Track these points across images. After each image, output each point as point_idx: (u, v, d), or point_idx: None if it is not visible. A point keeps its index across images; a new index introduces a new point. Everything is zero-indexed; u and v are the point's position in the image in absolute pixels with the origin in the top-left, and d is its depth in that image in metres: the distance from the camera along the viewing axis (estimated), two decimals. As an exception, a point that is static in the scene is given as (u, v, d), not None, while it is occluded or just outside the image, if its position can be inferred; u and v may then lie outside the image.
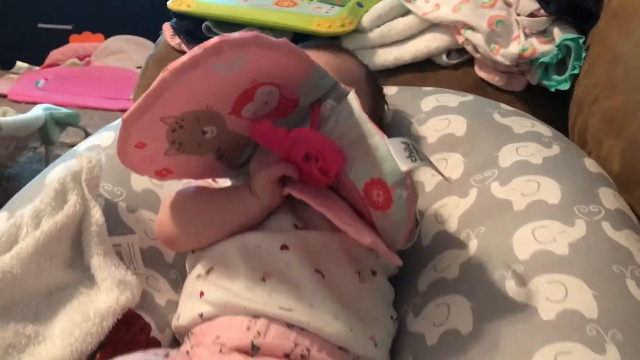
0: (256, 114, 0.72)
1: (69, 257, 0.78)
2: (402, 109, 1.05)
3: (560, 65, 1.14)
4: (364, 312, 0.73)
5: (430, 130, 0.99)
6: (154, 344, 0.76)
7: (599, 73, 1.04)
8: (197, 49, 0.63)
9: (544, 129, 0.94)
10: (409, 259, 0.82)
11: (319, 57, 0.90)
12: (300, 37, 1.27)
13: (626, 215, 0.80)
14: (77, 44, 3.27)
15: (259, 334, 0.68)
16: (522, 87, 1.19)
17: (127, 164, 0.74)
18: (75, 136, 2.40)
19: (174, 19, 1.39)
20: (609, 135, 0.96)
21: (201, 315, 0.73)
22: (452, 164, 0.93)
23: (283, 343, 0.68)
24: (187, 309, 0.76)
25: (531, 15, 1.16)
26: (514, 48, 1.14)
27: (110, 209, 0.87)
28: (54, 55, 3.22)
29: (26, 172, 2.21)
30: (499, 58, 1.15)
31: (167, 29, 1.39)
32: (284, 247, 0.73)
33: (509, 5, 1.20)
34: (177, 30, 1.36)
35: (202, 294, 0.74)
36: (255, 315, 0.70)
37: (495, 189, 0.84)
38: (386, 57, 1.25)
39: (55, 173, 0.91)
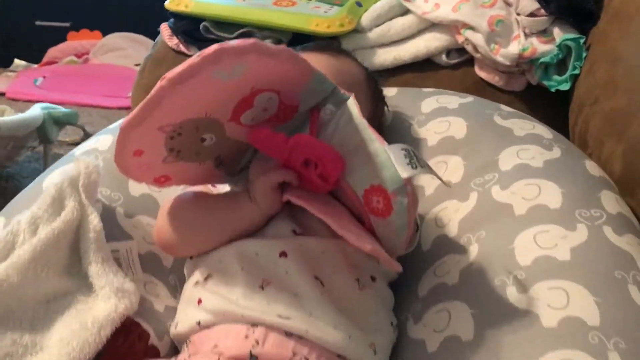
0: (255, 120, 0.72)
1: (67, 265, 0.78)
2: (402, 110, 1.05)
3: (560, 65, 1.14)
4: (363, 320, 0.73)
5: (430, 133, 0.98)
6: (152, 352, 0.76)
7: (600, 73, 1.03)
8: (195, 58, 0.62)
9: (545, 131, 0.94)
10: (409, 264, 0.81)
11: (318, 60, 0.89)
12: (299, 37, 1.26)
13: (628, 219, 0.80)
14: (75, 42, 3.26)
15: (257, 342, 0.68)
16: (522, 87, 1.19)
17: (125, 171, 0.73)
18: (74, 134, 2.40)
19: (172, 19, 1.38)
20: (610, 136, 0.96)
21: (199, 323, 0.72)
22: (452, 167, 0.92)
23: (281, 352, 0.68)
24: (185, 316, 0.75)
25: (531, 15, 1.16)
26: (514, 48, 1.14)
27: (108, 214, 0.87)
28: (52, 52, 3.20)
29: (25, 171, 2.21)
30: (499, 58, 1.15)
31: (165, 29, 1.39)
32: (283, 254, 0.73)
33: (508, 4, 1.19)
34: (175, 31, 1.35)
35: (200, 301, 0.73)
36: (254, 324, 0.69)
37: (496, 193, 0.84)
38: (385, 57, 1.25)
39: (53, 178, 0.90)
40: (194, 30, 1.32)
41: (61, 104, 2.47)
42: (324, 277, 0.73)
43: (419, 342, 0.74)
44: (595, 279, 0.70)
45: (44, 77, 2.99)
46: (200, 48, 1.32)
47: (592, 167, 0.87)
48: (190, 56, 1.30)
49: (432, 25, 1.24)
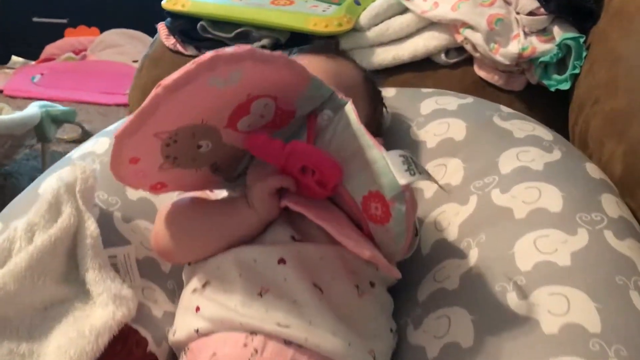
0: (252, 126, 0.71)
1: (64, 272, 0.77)
2: (401, 112, 1.04)
3: (560, 64, 1.13)
4: (362, 326, 0.73)
5: (430, 135, 0.98)
6: (151, 358, 0.75)
7: (601, 73, 1.02)
8: (191, 64, 0.61)
9: (545, 133, 0.93)
10: (408, 269, 0.81)
11: (315, 62, 0.89)
12: (297, 37, 1.26)
13: (629, 223, 0.79)
14: (73, 38, 3.24)
15: (255, 351, 0.67)
16: (522, 87, 1.18)
17: (121, 179, 0.73)
18: (72, 132, 2.39)
19: (169, 19, 1.37)
20: (610, 137, 0.95)
21: (197, 331, 0.72)
22: (452, 170, 0.91)
23: (280, 360, 0.67)
24: (183, 323, 0.75)
25: (531, 13, 1.15)
26: (514, 47, 1.13)
27: (105, 219, 0.86)
28: (50, 49, 3.19)
29: (23, 169, 2.21)
30: (498, 57, 1.14)
31: (162, 28, 1.38)
32: (281, 261, 0.72)
33: (508, 3, 1.18)
34: (172, 30, 1.35)
35: (198, 309, 0.73)
36: (252, 332, 0.69)
37: (496, 197, 0.83)
38: (384, 56, 1.24)
39: (49, 183, 0.90)
40: (191, 29, 1.31)
41: (59, 101, 2.47)
42: (323, 283, 0.72)
43: (419, 349, 0.74)
44: (596, 284, 0.69)
45: (42, 74, 2.98)
46: (197, 48, 1.32)
47: (592, 169, 0.87)
48: (187, 56, 1.31)
49: (431, 24, 1.23)
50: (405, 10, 1.26)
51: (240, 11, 1.29)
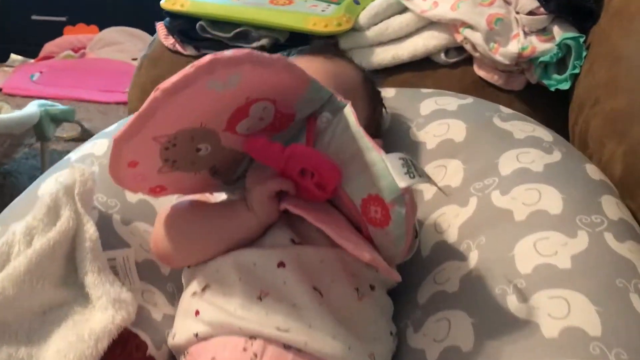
0: (251, 129, 0.71)
1: (63, 275, 0.77)
2: (400, 112, 1.04)
3: (560, 64, 1.13)
4: (362, 330, 0.72)
5: (429, 136, 0.97)
6: (150, 362, 0.75)
7: (601, 73, 1.02)
8: (189, 68, 0.61)
9: (545, 134, 0.93)
10: (408, 271, 0.81)
11: (314, 64, 0.89)
12: (296, 36, 1.25)
13: (629, 225, 0.79)
14: (72, 36, 3.24)
15: (255, 355, 0.67)
16: (522, 86, 1.18)
17: (120, 182, 0.72)
18: (72, 130, 2.39)
19: (168, 19, 1.37)
20: (611, 138, 0.95)
21: (197, 335, 0.72)
22: (452, 171, 0.91)
23: (280, 365, 0.67)
24: (183, 327, 0.74)
25: (531, 13, 1.14)
26: (514, 47, 1.12)
27: (104, 222, 0.86)
28: (49, 47, 3.19)
29: (22, 168, 2.21)
30: (498, 57, 1.14)
31: (160, 28, 1.37)
32: (281, 265, 0.72)
33: (508, 3, 1.18)
34: (171, 30, 1.34)
35: (197, 312, 0.73)
36: (252, 336, 0.69)
37: (496, 198, 0.83)
38: (384, 55, 1.23)
39: (48, 186, 0.89)
40: (190, 29, 1.31)
41: (58, 99, 2.47)
42: (323, 287, 0.72)
43: (419, 352, 0.74)
44: (597, 287, 0.69)
45: (41, 72, 2.97)
46: (196, 47, 1.32)
47: (592, 170, 0.87)
48: (186, 56, 1.31)
49: (431, 24, 1.22)
50: (404, 9, 1.26)
51: (239, 11, 1.28)
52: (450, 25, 1.20)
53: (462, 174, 0.90)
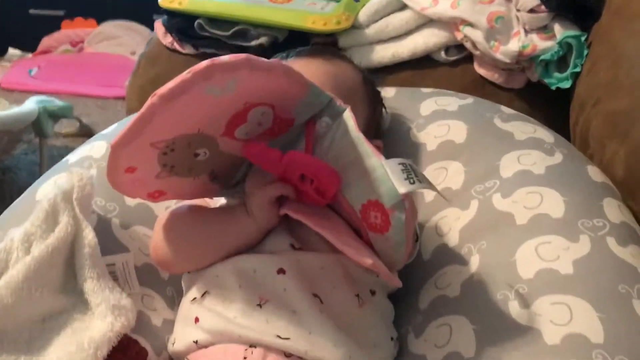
0: (249, 134, 0.70)
1: (62, 282, 0.76)
2: (400, 112, 1.03)
3: (561, 62, 1.12)
4: (363, 336, 0.72)
5: (430, 137, 0.96)
6: (151, 369, 0.75)
7: (602, 72, 1.01)
8: (186, 73, 0.60)
9: (546, 135, 0.92)
10: (409, 275, 0.80)
11: (314, 65, 0.88)
12: (295, 35, 1.24)
13: (631, 228, 0.78)
14: (70, 30, 3.23)
15: (256, 364, 0.67)
16: (522, 85, 1.17)
17: (118, 188, 0.72)
18: (70, 126, 2.39)
19: (166, 17, 1.35)
20: (612, 138, 0.94)
21: (196, 342, 0.71)
22: (452, 173, 0.91)
23: (280, 374, 0.67)
24: (182, 334, 0.74)
25: (531, 11, 1.13)
26: (514, 45, 1.11)
27: (103, 226, 0.85)
28: (47, 41, 3.18)
29: (21, 164, 2.21)
30: (498, 55, 1.12)
31: (158, 27, 1.36)
32: (281, 271, 0.71)
33: (508, 0, 1.17)
34: (169, 29, 1.33)
35: (197, 319, 0.72)
36: (252, 344, 0.68)
37: (497, 201, 0.82)
38: (383, 53, 1.22)
39: (46, 190, 0.89)
40: (188, 27, 1.29)
41: (56, 94, 2.46)
42: (323, 293, 0.72)
43: (420, 358, 0.73)
44: (599, 293, 0.69)
45: (39, 67, 2.97)
46: (194, 46, 1.31)
47: (594, 172, 0.86)
48: (185, 54, 1.30)
49: (431, 22, 1.21)
50: (404, 7, 1.24)
51: (237, 9, 1.27)
52: (450, 23, 1.18)
53: (463, 177, 0.89)
